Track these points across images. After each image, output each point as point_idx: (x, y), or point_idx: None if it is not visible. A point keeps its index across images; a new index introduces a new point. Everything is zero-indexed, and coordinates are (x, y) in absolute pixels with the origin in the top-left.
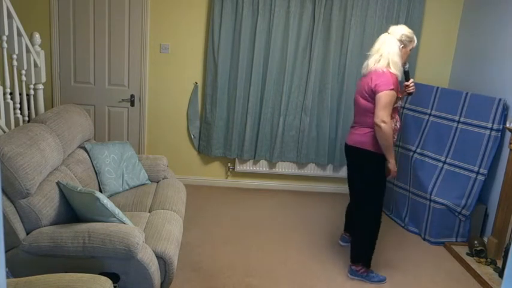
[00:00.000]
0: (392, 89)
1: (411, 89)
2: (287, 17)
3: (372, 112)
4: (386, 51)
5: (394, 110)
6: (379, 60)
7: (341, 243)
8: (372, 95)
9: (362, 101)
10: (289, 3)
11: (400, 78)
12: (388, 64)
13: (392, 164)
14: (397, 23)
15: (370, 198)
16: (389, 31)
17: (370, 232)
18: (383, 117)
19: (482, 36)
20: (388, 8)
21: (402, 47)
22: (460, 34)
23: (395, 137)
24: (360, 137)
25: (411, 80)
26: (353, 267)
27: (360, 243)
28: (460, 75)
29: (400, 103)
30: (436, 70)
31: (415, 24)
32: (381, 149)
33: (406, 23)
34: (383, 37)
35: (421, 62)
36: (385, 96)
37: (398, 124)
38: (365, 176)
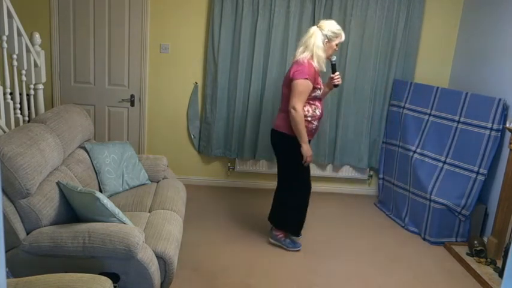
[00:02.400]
0: (306, 78)
1: (336, 81)
2: (287, 17)
3: (289, 98)
4: (312, 43)
5: (315, 99)
6: (304, 51)
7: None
8: (289, 83)
9: (284, 88)
10: (289, 3)
11: (325, 70)
12: (312, 56)
13: (304, 149)
14: (397, 23)
15: (291, 176)
16: (318, 24)
17: (291, 205)
18: (295, 103)
19: (482, 36)
20: (388, 8)
21: (327, 42)
22: (460, 34)
23: (316, 123)
24: (280, 121)
25: (337, 73)
26: (276, 233)
27: (283, 213)
28: (460, 75)
29: (318, 92)
30: (436, 70)
31: (415, 24)
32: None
33: (406, 23)
34: (312, 30)
35: (421, 62)
36: (298, 85)
37: (318, 111)
38: (282, 157)
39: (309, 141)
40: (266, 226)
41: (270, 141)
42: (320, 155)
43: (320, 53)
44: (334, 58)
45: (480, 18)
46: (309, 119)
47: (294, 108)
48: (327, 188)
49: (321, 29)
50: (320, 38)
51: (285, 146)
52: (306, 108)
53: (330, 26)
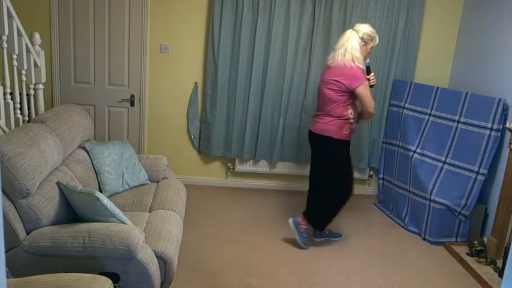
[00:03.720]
0: (364, 81)
1: (372, 82)
2: (287, 17)
3: (336, 102)
4: (350, 46)
5: (355, 100)
6: (344, 55)
7: (317, 239)
8: (345, 89)
9: (329, 92)
10: (289, 3)
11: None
12: (353, 59)
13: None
14: (397, 23)
15: (332, 183)
16: (354, 28)
17: (328, 206)
18: (372, 109)
19: (482, 36)
20: (388, 8)
21: (363, 44)
22: (460, 34)
23: (354, 124)
24: (325, 126)
25: (372, 74)
26: (304, 227)
27: (320, 214)
28: (460, 75)
29: None
30: (436, 70)
31: (415, 24)
32: (342, 135)
33: (406, 23)
34: (348, 33)
35: (421, 62)
36: (364, 90)
37: (356, 112)
38: (328, 161)
39: (349, 142)
40: (266, 226)
41: (312, 144)
42: None
43: (358, 55)
44: (368, 60)
45: (480, 18)
46: (351, 120)
47: (374, 108)
48: None
49: (356, 32)
50: (357, 41)
51: (333, 150)
52: (349, 111)
53: (366, 29)
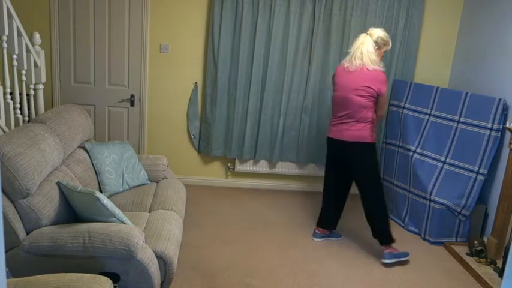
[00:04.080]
0: (387, 86)
1: None
2: (287, 17)
3: (366, 107)
4: (365, 50)
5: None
6: (362, 58)
7: (315, 239)
8: (374, 95)
9: (359, 99)
10: (289, 3)
11: None
12: (372, 62)
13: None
14: (397, 23)
15: (375, 182)
16: (368, 31)
17: (385, 211)
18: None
19: (482, 36)
20: (388, 8)
21: (377, 48)
22: (460, 34)
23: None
24: (359, 132)
25: None
26: (387, 251)
27: (382, 224)
28: (460, 75)
29: None
30: (436, 70)
31: (415, 24)
32: (374, 138)
33: (406, 23)
34: (362, 37)
35: (421, 62)
36: (386, 96)
37: None
38: (367, 165)
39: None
40: (266, 226)
41: (342, 153)
42: (320, 155)
43: (375, 58)
44: (381, 64)
45: (480, 18)
46: (374, 122)
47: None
48: None
49: (370, 36)
50: (371, 45)
51: (370, 155)
52: (374, 114)
53: (380, 33)
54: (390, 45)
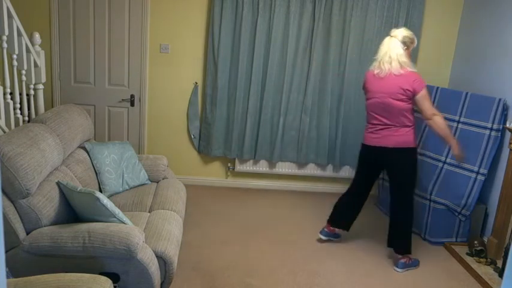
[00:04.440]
0: (425, 86)
1: None
2: (287, 17)
3: (407, 111)
4: (394, 53)
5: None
6: (391, 62)
7: (322, 237)
8: (411, 96)
9: (398, 103)
10: (289, 3)
11: None
12: (401, 65)
13: (455, 148)
14: (397, 23)
15: (410, 189)
16: (391, 34)
17: (412, 218)
18: (433, 110)
19: (482, 36)
20: (388, 8)
21: (406, 49)
22: (460, 34)
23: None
24: (403, 137)
25: None
26: (403, 260)
27: (407, 232)
28: (460, 75)
29: None
30: (436, 70)
31: (415, 24)
32: (416, 142)
33: (406, 23)
34: (387, 40)
35: (421, 62)
36: (425, 94)
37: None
38: (409, 170)
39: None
40: (266, 226)
41: (382, 160)
42: (320, 155)
43: (405, 59)
44: (412, 64)
45: (480, 18)
46: (415, 126)
47: (435, 114)
48: (327, 188)
49: (395, 37)
50: (400, 47)
51: (412, 160)
52: (414, 119)
53: (404, 32)
54: (416, 41)
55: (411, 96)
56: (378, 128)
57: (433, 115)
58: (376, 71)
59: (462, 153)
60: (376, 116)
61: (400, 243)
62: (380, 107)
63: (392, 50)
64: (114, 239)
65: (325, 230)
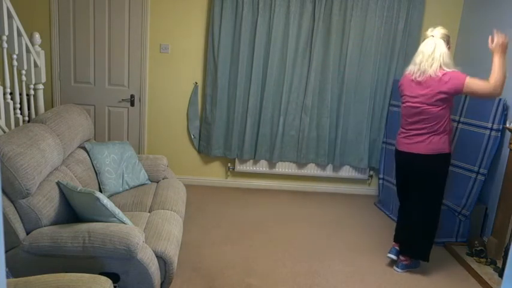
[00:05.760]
0: (466, 75)
1: None
2: (287, 17)
3: (444, 117)
4: (439, 53)
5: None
6: (432, 64)
7: (391, 255)
8: (450, 98)
9: (433, 109)
10: (289, 3)
11: None
12: (441, 66)
13: (504, 38)
14: (397, 23)
15: (440, 196)
16: (432, 34)
17: (436, 227)
18: (488, 84)
19: (482, 36)
20: (388, 8)
21: (449, 48)
22: (460, 34)
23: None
24: (438, 145)
25: None
26: (405, 262)
27: (430, 240)
28: None
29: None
30: None
31: (415, 24)
32: (450, 148)
33: (406, 23)
34: (431, 41)
35: None
36: (471, 80)
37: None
38: (441, 177)
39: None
40: (266, 226)
41: (415, 168)
42: (320, 155)
43: (448, 60)
44: (454, 64)
45: (480, 18)
46: (451, 133)
47: (495, 83)
48: (327, 188)
49: (438, 36)
50: (444, 46)
51: (445, 167)
52: (450, 126)
53: (441, 30)
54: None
55: (450, 99)
56: (411, 134)
57: (493, 87)
58: (415, 75)
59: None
60: (410, 121)
61: (421, 250)
62: (415, 112)
63: (437, 50)
64: (114, 239)
65: (395, 248)
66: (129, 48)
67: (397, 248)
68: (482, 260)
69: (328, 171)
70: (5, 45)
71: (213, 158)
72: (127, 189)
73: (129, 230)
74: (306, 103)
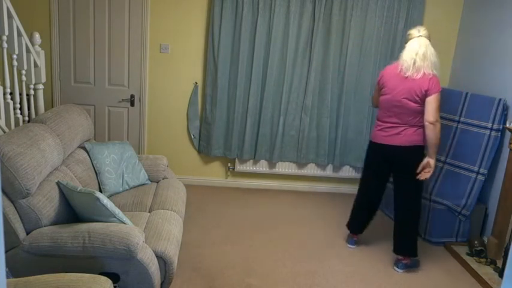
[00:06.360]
0: (440, 91)
1: None
2: (287, 17)
3: (420, 113)
4: (429, 53)
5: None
6: (423, 61)
7: (350, 246)
8: (423, 98)
9: (412, 104)
10: (289, 3)
11: None
12: (431, 66)
13: (433, 164)
14: (397, 23)
15: (420, 190)
16: (420, 34)
17: (418, 219)
18: (438, 117)
19: (482, 36)
20: (388, 8)
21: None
22: (460, 34)
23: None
24: (412, 136)
25: None
26: (404, 261)
27: (413, 233)
28: (460, 75)
29: None
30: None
31: (415, 24)
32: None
33: (406, 23)
34: (422, 41)
35: None
36: (438, 98)
37: None
38: (416, 169)
39: None
40: (266, 226)
41: (391, 159)
42: (320, 155)
43: (435, 59)
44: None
45: (480, 18)
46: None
47: (438, 121)
48: (327, 188)
49: (425, 36)
50: (430, 46)
51: (421, 158)
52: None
53: (426, 31)
54: None
55: (423, 99)
56: (388, 126)
57: (436, 121)
58: (402, 69)
59: (430, 172)
60: (388, 113)
61: (407, 247)
62: (395, 105)
63: (428, 49)
64: (114, 239)
65: (353, 238)
66: (129, 48)
67: (355, 238)
68: (482, 260)
69: (328, 171)
70: (5, 45)
71: (213, 158)
72: (127, 189)
73: (129, 230)
74: (306, 103)
